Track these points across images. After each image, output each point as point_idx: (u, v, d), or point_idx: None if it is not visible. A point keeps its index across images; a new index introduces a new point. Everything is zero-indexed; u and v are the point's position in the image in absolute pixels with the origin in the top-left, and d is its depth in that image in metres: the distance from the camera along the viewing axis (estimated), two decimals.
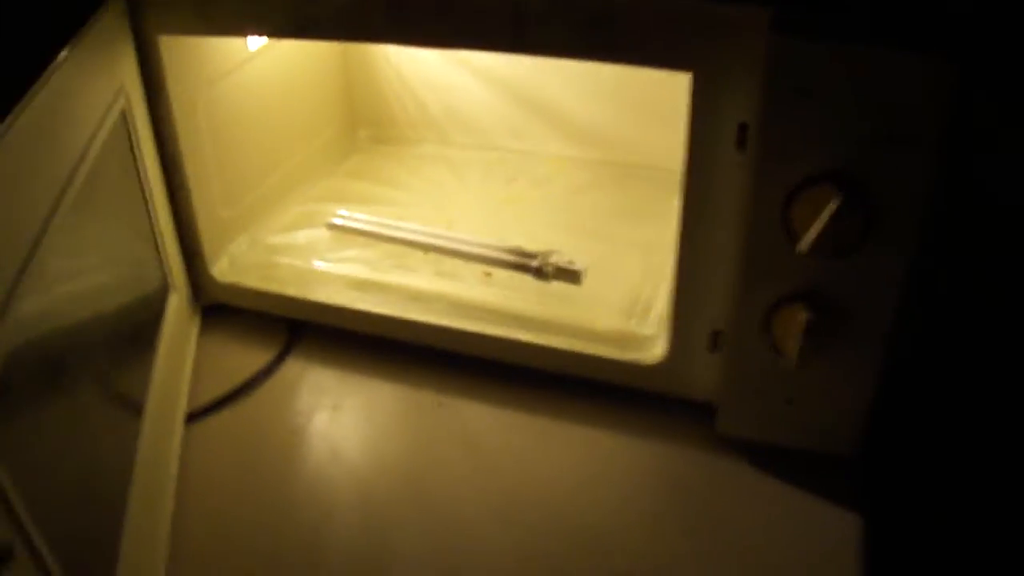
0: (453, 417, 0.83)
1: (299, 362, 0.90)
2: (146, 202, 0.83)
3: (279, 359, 0.90)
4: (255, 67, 0.99)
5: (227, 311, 0.95)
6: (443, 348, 0.87)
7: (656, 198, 1.05)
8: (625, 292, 0.89)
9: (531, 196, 1.11)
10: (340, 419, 0.84)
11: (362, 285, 0.93)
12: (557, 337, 0.83)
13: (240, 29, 0.85)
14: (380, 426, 0.83)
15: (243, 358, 0.90)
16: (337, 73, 1.21)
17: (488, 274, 0.94)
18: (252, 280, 0.93)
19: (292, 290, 0.91)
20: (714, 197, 0.70)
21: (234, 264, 0.96)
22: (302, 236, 1.03)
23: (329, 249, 1.00)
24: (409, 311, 0.87)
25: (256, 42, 0.99)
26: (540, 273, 0.91)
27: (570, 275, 0.90)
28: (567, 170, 1.16)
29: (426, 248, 0.98)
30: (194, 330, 0.93)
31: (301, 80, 1.10)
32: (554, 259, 0.91)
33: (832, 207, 0.63)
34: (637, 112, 1.11)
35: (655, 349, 0.80)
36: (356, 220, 1.03)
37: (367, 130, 1.28)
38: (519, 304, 0.87)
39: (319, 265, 0.96)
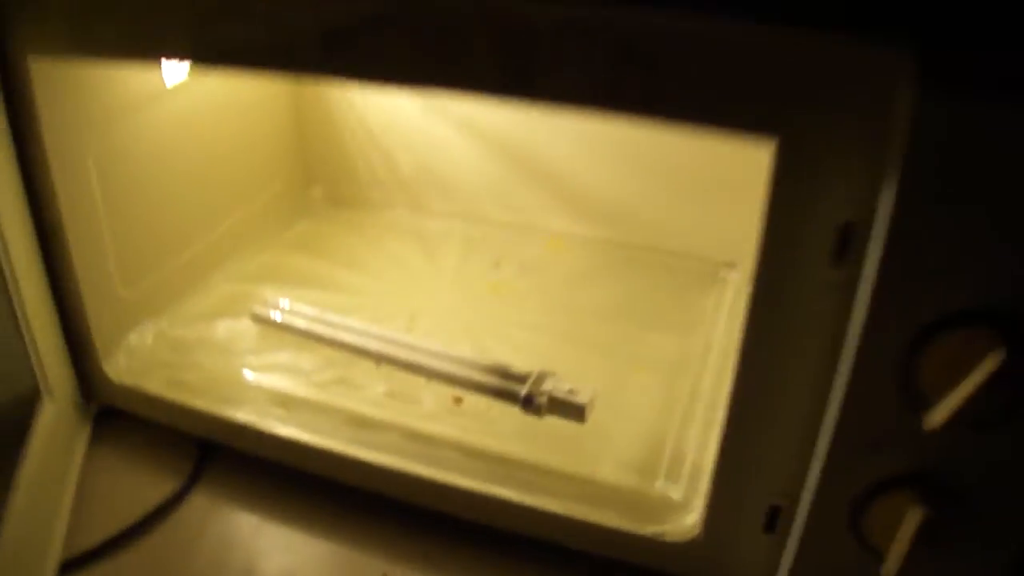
0: None
1: (207, 497, 0.75)
2: (4, 277, 0.69)
3: (182, 493, 0.75)
4: (171, 106, 0.83)
5: (129, 418, 0.80)
6: (395, 498, 0.70)
7: (684, 296, 0.89)
8: (643, 433, 0.71)
9: (521, 287, 0.94)
10: None
11: (291, 403, 0.75)
12: (549, 496, 0.66)
13: (130, 52, 0.64)
14: None
15: (141, 483, 0.76)
16: (285, 117, 1.06)
17: (458, 400, 0.75)
18: (155, 384, 0.77)
19: (202, 402, 0.76)
20: (793, 324, 0.52)
21: (134, 361, 0.80)
22: (223, 329, 0.84)
23: (255, 349, 0.82)
24: (351, 444, 0.71)
25: (173, 73, 0.82)
26: (529, 404, 0.70)
27: (571, 410, 0.69)
28: (568, 252, 1.00)
29: (378, 358, 0.78)
30: (80, 442, 0.79)
31: (237, 125, 0.95)
32: (550, 386, 0.70)
33: (992, 363, 0.44)
34: (661, 181, 0.94)
35: (685, 520, 0.63)
36: (288, 313, 0.83)
37: (322, 188, 1.12)
38: (498, 445, 0.70)
39: (242, 371, 0.80)
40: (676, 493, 0.66)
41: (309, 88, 1.06)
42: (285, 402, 0.76)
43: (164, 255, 0.87)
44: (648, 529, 0.63)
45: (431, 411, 0.74)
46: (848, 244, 0.48)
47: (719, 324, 0.83)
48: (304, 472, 0.73)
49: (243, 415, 0.74)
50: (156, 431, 0.79)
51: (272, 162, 1.05)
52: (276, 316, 0.83)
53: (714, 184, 0.89)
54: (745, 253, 0.85)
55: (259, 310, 0.84)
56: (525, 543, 0.68)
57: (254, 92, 0.98)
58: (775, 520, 0.58)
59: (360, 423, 0.73)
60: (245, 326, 0.85)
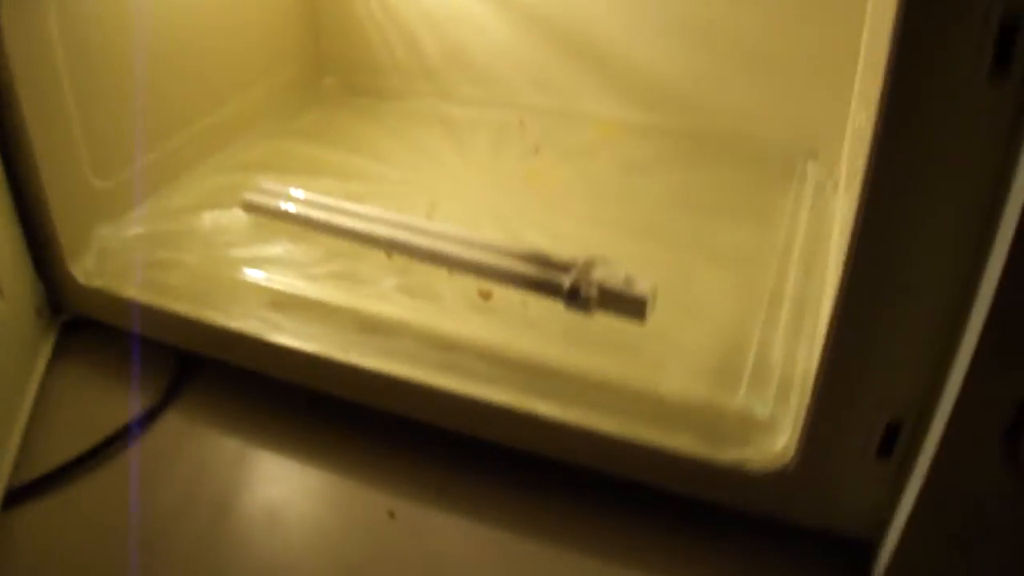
0: (414, 540, 0.57)
1: (184, 419, 0.68)
2: None
3: (153, 412, 0.67)
4: None
5: (100, 329, 0.74)
6: (406, 417, 0.62)
7: (758, 187, 0.78)
8: (717, 337, 0.61)
9: (563, 174, 0.83)
10: (228, 525, 0.59)
11: (285, 303, 0.66)
12: (599, 414, 0.55)
13: None
14: (291, 545, 0.58)
15: (108, 402, 0.69)
16: None
17: (487, 294, 0.64)
18: (129, 286, 0.70)
19: (181, 306, 0.68)
20: (931, 182, 0.40)
21: (106, 261, 0.72)
22: (209, 221, 0.75)
23: (244, 241, 0.72)
24: (353, 351, 0.61)
25: None
26: (575, 297, 0.58)
27: (628, 304, 0.57)
28: (620, 140, 0.88)
29: (389, 247, 0.66)
30: (41, 355, 0.73)
31: None
32: (600, 275, 0.58)
33: None
34: (731, 60, 0.83)
35: (773, 443, 0.53)
36: (283, 198, 0.72)
37: (336, 76, 1.04)
38: (536, 350, 0.59)
39: (228, 267, 0.70)
40: (762, 409, 0.54)
41: None
42: (278, 303, 0.66)
43: (147, 141, 0.80)
44: (726, 455, 0.53)
45: (453, 309, 0.64)
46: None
47: (800, 218, 0.72)
48: (298, 388, 0.66)
49: (228, 319, 0.67)
50: (131, 343, 0.73)
51: (280, 43, 0.98)
52: (269, 202, 0.71)
53: (791, 63, 0.80)
54: (829, 139, 0.76)
55: (250, 196, 0.73)
56: (566, 475, 0.58)
57: None
58: (892, 441, 0.48)
59: (366, 326, 0.63)
60: (235, 217, 0.74)
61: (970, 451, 0.43)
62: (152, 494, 0.61)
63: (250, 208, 0.73)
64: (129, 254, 0.72)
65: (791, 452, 0.50)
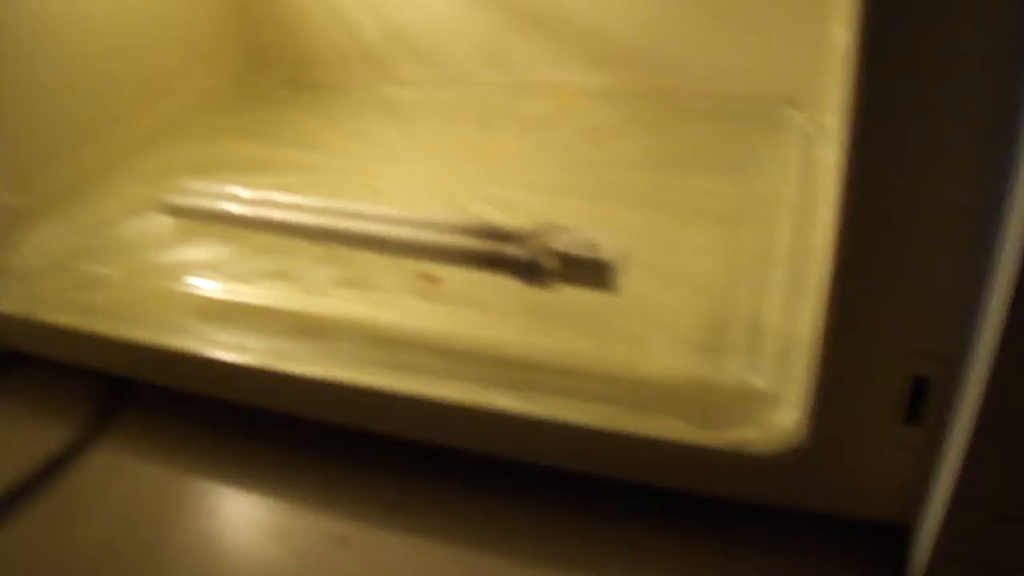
0: (370, 569, 0.49)
1: (114, 450, 0.60)
2: None
3: (78, 446, 0.61)
4: None
5: (21, 358, 0.67)
6: (353, 427, 0.54)
7: (738, 141, 0.70)
8: (702, 303, 0.52)
9: (519, 145, 0.73)
10: (160, 564, 0.51)
11: (216, 312, 0.58)
12: (571, 402, 0.47)
13: None
14: None
15: (29, 437, 0.62)
16: None
17: (432, 279, 0.56)
18: (49, 310, 0.63)
19: (106, 326, 0.60)
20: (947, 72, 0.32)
21: (23, 284, 0.65)
22: (131, 229, 0.67)
23: (170, 247, 0.65)
24: (290, 359, 0.54)
25: None
26: (533, 271, 0.49)
27: (593, 270, 0.48)
28: (580, 107, 0.79)
29: (320, 236, 0.58)
30: None
31: None
32: (560, 242, 0.49)
33: None
34: (693, 8, 0.75)
35: (778, 418, 0.45)
36: (206, 196, 0.64)
37: (273, 72, 0.95)
38: (492, 335, 0.51)
39: (150, 277, 0.63)
40: (761, 378, 0.46)
41: None
42: (206, 312, 0.58)
43: (63, 151, 0.74)
44: (723, 437, 0.45)
45: (397, 299, 0.56)
46: None
47: (788, 170, 0.64)
48: (235, 406, 0.58)
49: (154, 336, 0.59)
50: (56, 371, 0.66)
51: (208, 40, 0.91)
52: (191, 203, 0.63)
53: (761, 8, 0.72)
54: (810, 84, 0.68)
55: (172, 198, 0.65)
56: (536, 478, 0.50)
57: None
58: (921, 401, 0.39)
59: (303, 328, 0.55)
60: (159, 223, 0.67)
61: (1020, 403, 0.34)
62: (77, 535, 0.54)
63: (172, 211, 0.65)
64: (47, 274, 0.65)
65: (801, 427, 0.42)
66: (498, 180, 0.67)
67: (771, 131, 0.70)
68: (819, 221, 0.55)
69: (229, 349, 0.55)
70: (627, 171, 0.66)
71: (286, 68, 0.95)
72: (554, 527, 0.49)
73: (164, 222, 0.67)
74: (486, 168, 0.70)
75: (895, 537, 0.44)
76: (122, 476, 0.57)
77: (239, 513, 0.53)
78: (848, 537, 0.46)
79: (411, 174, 0.71)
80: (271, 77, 0.96)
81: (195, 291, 0.60)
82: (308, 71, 0.94)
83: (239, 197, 0.64)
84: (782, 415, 0.44)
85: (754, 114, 0.72)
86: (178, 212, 0.65)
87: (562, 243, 0.48)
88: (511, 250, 0.50)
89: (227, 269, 0.60)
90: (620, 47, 0.81)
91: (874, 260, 0.36)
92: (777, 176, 0.63)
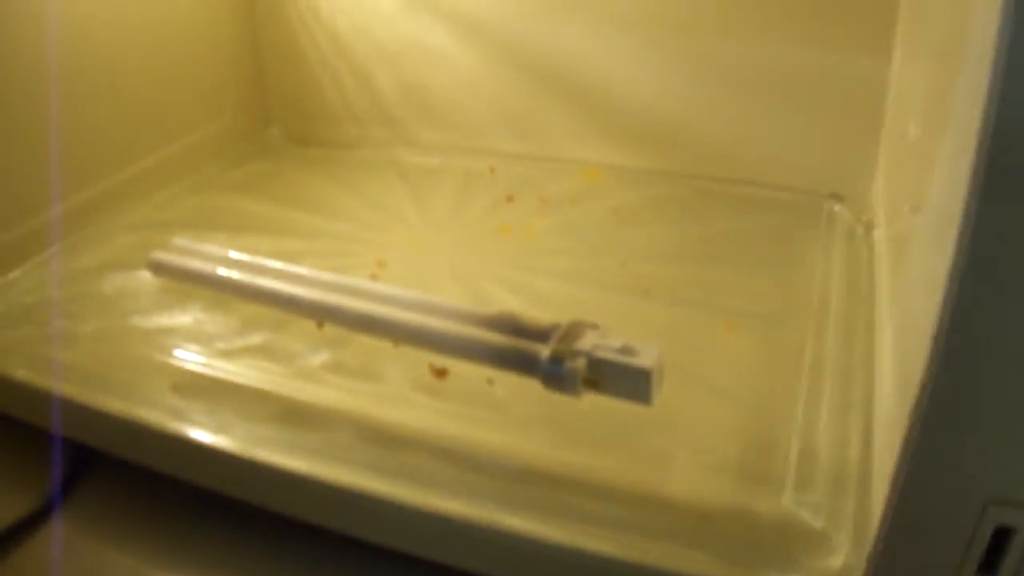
0: None
1: (70, 528, 0.56)
2: None
3: (30, 522, 0.57)
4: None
5: None
6: (341, 533, 0.49)
7: (778, 236, 0.67)
8: (739, 418, 0.48)
9: (541, 226, 0.70)
10: None
11: (193, 386, 0.54)
12: (591, 528, 0.42)
13: None
14: None
15: None
16: (233, 36, 0.91)
17: (441, 373, 0.52)
18: (10, 359, 0.59)
19: (71, 390, 0.56)
20: None
21: None
22: (112, 284, 0.64)
23: (151, 309, 0.61)
24: (269, 446, 0.49)
25: None
26: (556, 373, 0.44)
27: (628, 379, 0.43)
28: (607, 186, 0.77)
29: (319, 313, 0.54)
30: None
31: (165, 36, 0.81)
32: (589, 343, 0.44)
33: None
34: (736, 93, 0.74)
35: (827, 562, 0.40)
36: (196, 256, 0.60)
37: (283, 125, 0.95)
38: (504, 443, 0.47)
39: (126, 341, 0.59)
40: (807, 512, 0.41)
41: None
42: (182, 386, 0.54)
43: (55, 192, 0.72)
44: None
45: (399, 392, 0.52)
46: None
47: (833, 269, 0.61)
48: (207, 493, 0.53)
49: (123, 407, 0.54)
50: (16, 431, 0.61)
51: (217, 89, 0.90)
52: (178, 262, 0.59)
53: (806, 97, 0.70)
54: (856, 178, 0.67)
55: (158, 256, 0.61)
56: None
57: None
58: (1002, 551, 0.35)
59: (289, 415, 0.51)
60: (142, 280, 0.63)
61: None
62: None
63: (158, 269, 0.61)
64: (16, 323, 0.62)
65: (856, 574, 0.37)
66: (518, 262, 0.64)
67: (812, 226, 0.67)
68: (869, 328, 0.51)
69: (204, 429, 0.51)
70: (657, 262, 0.63)
71: (297, 122, 0.94)
72: None
73: (148, 280, 0.63)
74: (505, 247, 0.67)
75: None
76: (77, 556, 0.53)
77: None
78: None
79: (422, 248, 0.68)
80: (280, 131, 0.94)
81: (173, 361, 0.56)
82: (320, 127, 0.93)
83: (231, 260, 0.60)
84: (830, 558, 0.39)
85: (793, 206, 0.70)
86: (164, 271, 0.61)
87: (592, 344, 0.43)
88: (533, 347, 0.45)
89: (211, 340, 0.57)
90: (652, 127, 0.79)
91: (966, 388, 0.32)
92: (819, 276, 0.60)
